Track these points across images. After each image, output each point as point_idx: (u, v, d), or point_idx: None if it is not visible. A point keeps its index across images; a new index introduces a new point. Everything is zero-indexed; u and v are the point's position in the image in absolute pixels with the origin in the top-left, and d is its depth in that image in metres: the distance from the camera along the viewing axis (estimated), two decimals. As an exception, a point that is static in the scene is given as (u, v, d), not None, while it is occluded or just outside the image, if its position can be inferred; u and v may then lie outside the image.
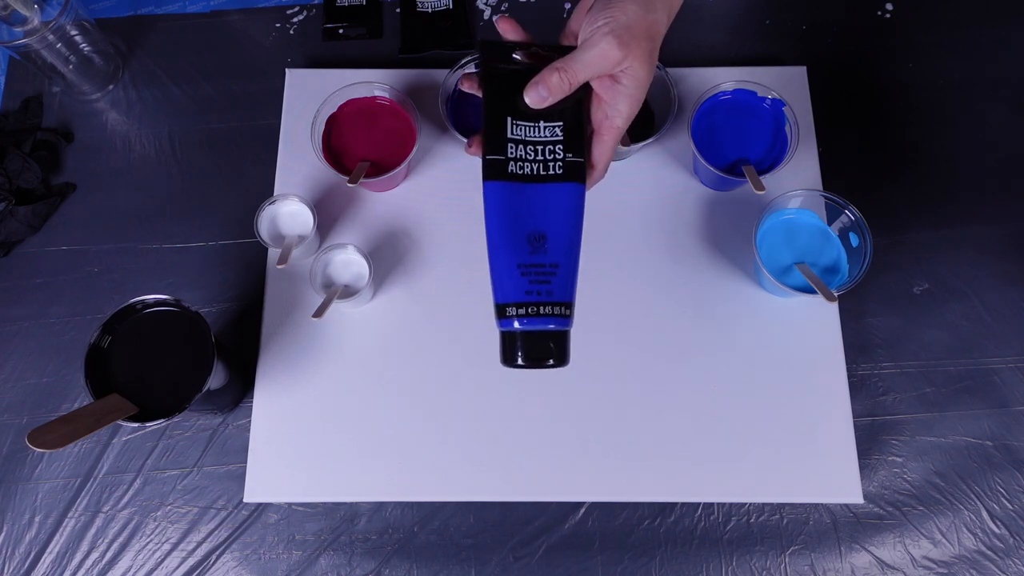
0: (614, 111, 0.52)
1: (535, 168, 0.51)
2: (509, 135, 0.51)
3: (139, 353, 0.61)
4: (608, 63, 0.50)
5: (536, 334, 0.49)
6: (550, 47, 0.53)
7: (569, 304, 0.50)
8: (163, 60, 0.86)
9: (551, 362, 0.49)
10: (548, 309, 0.49)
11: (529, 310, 0.49)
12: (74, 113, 0.84)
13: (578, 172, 0.51)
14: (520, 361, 0.50)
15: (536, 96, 0.50)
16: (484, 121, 0.51)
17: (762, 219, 0.70)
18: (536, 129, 0.51)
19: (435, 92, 0.76)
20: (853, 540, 0.70)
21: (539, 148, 0.51)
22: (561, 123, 0.51)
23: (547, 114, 0.51)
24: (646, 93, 0.52)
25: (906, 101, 0.84)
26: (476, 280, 0.75)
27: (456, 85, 0.77)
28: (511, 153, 0.51)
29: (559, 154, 0.51)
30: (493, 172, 0.50)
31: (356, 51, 0.86)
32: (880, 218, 0.72)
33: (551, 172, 0.51)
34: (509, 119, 0.51)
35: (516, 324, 0.49)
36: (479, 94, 0.54)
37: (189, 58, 0.86)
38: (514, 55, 0.53)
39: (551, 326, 0.49)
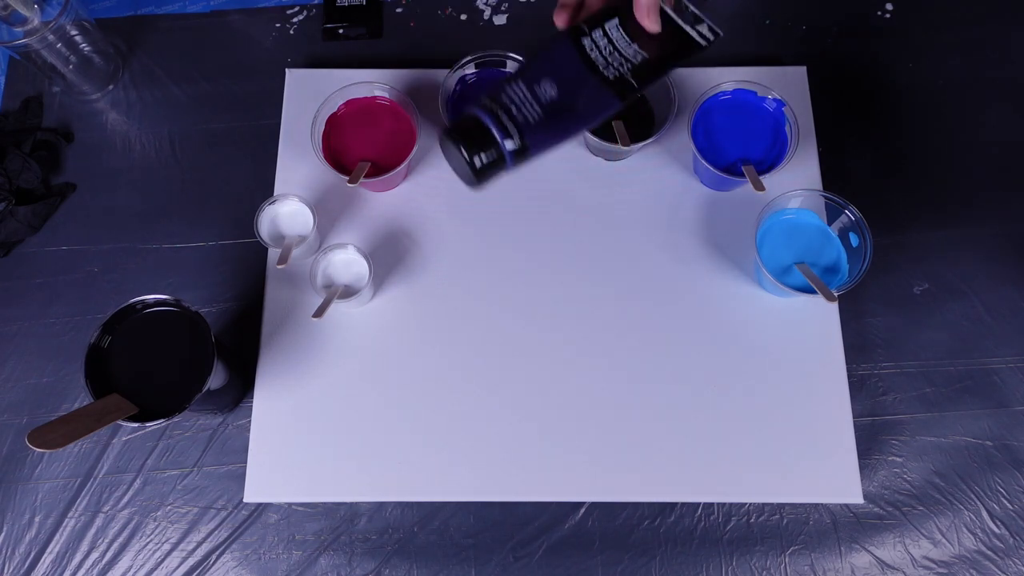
0: None
1: (599, 60, 0.55)
2: (605, 26, 0.56)
3: (139, 353, 0.61)
4: None
5: (478, 125, 0.53)
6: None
7: (521, 144, 0.53)
8: (163, 60, 0.86)
9: (467, 155, 0.52)
10: (504, 119, 0.52)
11: (490, 105, 0.53)
12: (74, 113, 0.84)
13: (624, 91, 0.55)
14: (451, 131, 0.53)
15: (652, 24, 0.55)
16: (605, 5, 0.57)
17: (762, 219, 0.70)
18: (626, 43, 0.55)
19: (435, 92, 0.76)
20: (853, 540, 0.70)
21: (614, 54, 0.55)
22: (646, 55, 0.55)
23: (642, 41, 0.55)
24: None
25: (906, 101, 0.84)
26: (476, 280, 0.75)
27: (456, 85, 0.77)
28: (595, 36, 0.55)
29: (622, 69, 0.55)
30: (574, 32, 0.55)
31: (356, 51, 0.86)
32: (880, 218, 0.72)
33: (604, 74, 0.55)
34: (616, 19, 0.56)
35: (475, 109, 0.53)
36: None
37: (189, 58, 0.86)
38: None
39: (494, 131, 0.52)
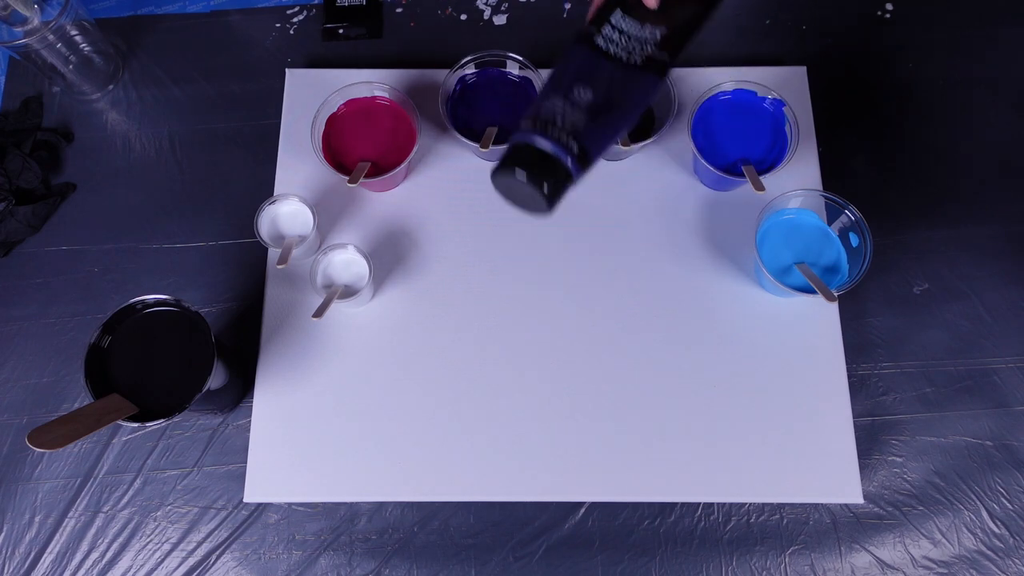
0: None
1: (619, 53, 0.52)
2: (611, 20, 0.53)
3: (139, 353, 0.61)
4: None
5: (529, 147, 0.49)
6: None
7: (580, 147, 0.49)
8: (163, 60, 0.86)
9: (530, 181, 0.48)
10: (553, 131, 0.49)
11: (533, 125, 0.49)
12: (74, 113, 0.84)
13: (658, 67, 0.53)
14: (503, 164, 0.49)
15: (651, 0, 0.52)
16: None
17: (762, 219, 0.70)
18: (637, 27, 0.53)
19: (435, 92, 0.76)
20: (853, 540, 0.70)
21: (631, 41, 0.53)
22: (665, 27, 0.53)
23: (653, 20, 0.53)
24: None
25: (906, 101, 0.84)
26: (476, 280, 0.75)
27: (456, 85, 0.77)
28: (606, 32, 0.53)
29: (648, 50, 0.52)
30: (583, 38, 0.53)
31: (356, 51, 0.86)
32: (880, 218, 0.72)
33: (630, 60, 0.52)
34: (619, 9, 0.53)
35: (519, 135, 0.50)
36: None
37: (189, 58, 0.86)
38: None
39: (549, 146, 0.49)
